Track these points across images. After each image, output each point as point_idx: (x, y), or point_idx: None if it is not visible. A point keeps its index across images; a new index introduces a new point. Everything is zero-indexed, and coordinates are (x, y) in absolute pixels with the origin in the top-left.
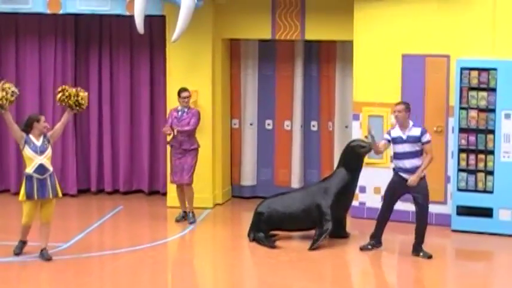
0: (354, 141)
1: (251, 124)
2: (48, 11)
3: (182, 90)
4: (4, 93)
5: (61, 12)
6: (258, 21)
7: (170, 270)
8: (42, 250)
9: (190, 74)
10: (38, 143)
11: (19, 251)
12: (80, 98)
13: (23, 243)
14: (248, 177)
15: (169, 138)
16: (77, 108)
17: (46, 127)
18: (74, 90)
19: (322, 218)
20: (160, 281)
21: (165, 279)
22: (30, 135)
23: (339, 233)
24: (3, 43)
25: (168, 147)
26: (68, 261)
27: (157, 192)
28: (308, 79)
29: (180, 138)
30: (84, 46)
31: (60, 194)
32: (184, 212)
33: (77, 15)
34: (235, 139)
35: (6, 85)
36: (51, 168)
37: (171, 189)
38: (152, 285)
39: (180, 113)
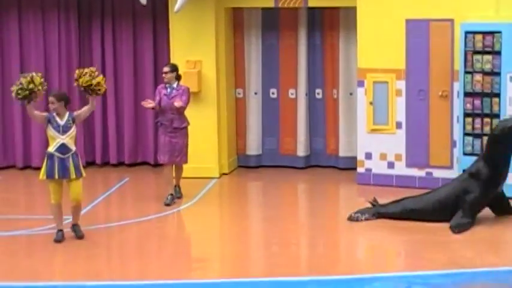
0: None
1: (255, 93)
2: None
3: (165, 65)
4: (32, 85)
5: None
6: None
7: (178, 241)
8: (73, 225)
9: (194, 44)
10: (62, 122)
11: (60, 238)
12: (94, 83)
13: (59, 231)
14: (253, 146)
15: (149, 106)
16: (93, 93)
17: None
18: (88, 76)
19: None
20: (167, 252)
21: (172, 250)
22: (54, 114)
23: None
24: (5, 19)
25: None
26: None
27: (162, 164)
28: (312, 47)
29: (170, 115)
30: (87, 20)
31: (83, 174)
32: (172, 194)
33: None
34: (240, 109)
35: (37, 78)
36: (73, 148)
37: None
38: (158, 256)
39: (169, 89)
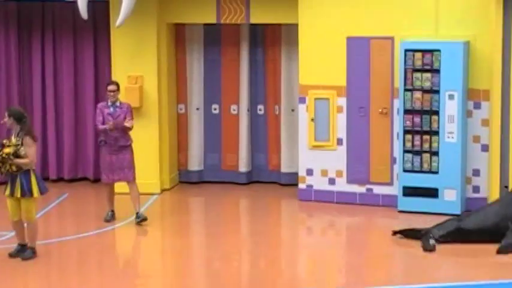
0: None
1: (197, 109)
2: None
3: (109, 83)
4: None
5: None
6: (202, 5)
7: (119, 257)
8: (22, 246)
9: (136, 59)
10: (14, 139)
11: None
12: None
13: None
14: (195, 162)
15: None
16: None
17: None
18: None
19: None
20: (109, 269)
21: (114, 267)
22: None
23: None
24: None
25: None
26: (8, 250)
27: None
28: (254, 63)
29: (115, 134)
30: (27, 32)
31: (34, 194)
32: (112, 210)
33: (18, 2)
34: (182, 124)
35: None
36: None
37: None
38: (99, 272)
39: (112, 108)
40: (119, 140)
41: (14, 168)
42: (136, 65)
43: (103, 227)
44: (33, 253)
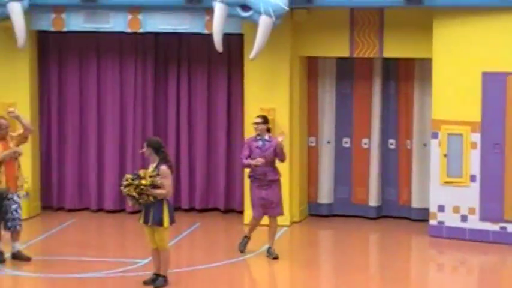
0: None
1: (328, 142)
2: (129, 30)
3: (257, 116)
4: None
5: (141, 31)
6: (336, 38)
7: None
8: (157, 275)
9: (268, 92)
10: (150, 169)
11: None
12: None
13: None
14: (325, 195)
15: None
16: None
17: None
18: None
19: None
20: None
21: None
22: None
23: None
24: (85, 61)
25: (247, 180)
26: (143, 277)
27: (233, 210)
28: (386, 97)
29: (264, 169)
30: (163, 64)
31: (164, 224)
32: (248, 238)
33: (156, 34)
34: (312, 157)
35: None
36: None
37: (249, 207)
38: None
39: (261, 142)
40: (268, 175)
41: (151, 198)
42: (268, 97)
43: (233, 258)
44: (165, 281)
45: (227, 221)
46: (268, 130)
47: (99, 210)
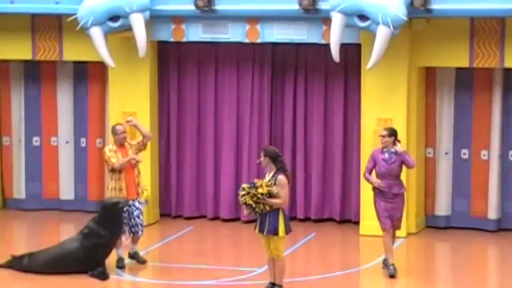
0: None
1: (446, 153)
2: (247, 40)
3: (384, 129)
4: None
5: (259, 41)
6: (455, 48)
7: None
8: (272, 285)
9: (385, 101)
10: (266, 179)
11: None
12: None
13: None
14: (442, 207)
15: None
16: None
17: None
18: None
19: None
20: None
21: None
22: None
23: None
24: (203, 70)
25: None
26: (261, 286)
27: (348, 220)
28: (506, 108)
29: (389, 181)
30: (280, 74)
31: (279, 233)
32: (393, 264)
33: (274, 44)
34: (430, 168)
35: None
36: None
37: (365, 218)
38: None
39: (387, 154)
40: (393, 188)
41: (267, 207)
42: (385, 107)
43: (348, 268)
44: None
45: (342, 231)
46: (394, 143)
47: (216, 218)
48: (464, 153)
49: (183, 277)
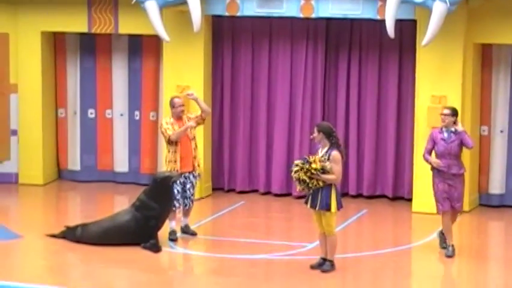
0: None
1: (501, 131)
2: (301, 15)
3: (445, 107)
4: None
5: (313, 16)
6: None
7: (411, 277)
8: (323, 260)
9: (440, 79)
10: (319, 154)
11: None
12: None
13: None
14: (496, 185)
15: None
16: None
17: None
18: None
19: None
20: (402, 287)
21: (405, 285)
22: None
23: None
24: (257, 45)
25: (430, 172)
26: (312, 261)
27: (401, 197)
28: None
29: (448, 161)
30: (334, 49)
31: (332, 209)
32: (453, 245)
33: (328, 19)
34: (484, 146)
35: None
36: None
37: (417, 195)
38: None
39: (446, 134)
40: (452, 168)
41: (321, 183)
42: (440, 84)
43: (400, 245)
44: (332, 266)
45: (395, 208)
46: (455, 123)
47: (267, 193)
48: None
49: (234, 251)
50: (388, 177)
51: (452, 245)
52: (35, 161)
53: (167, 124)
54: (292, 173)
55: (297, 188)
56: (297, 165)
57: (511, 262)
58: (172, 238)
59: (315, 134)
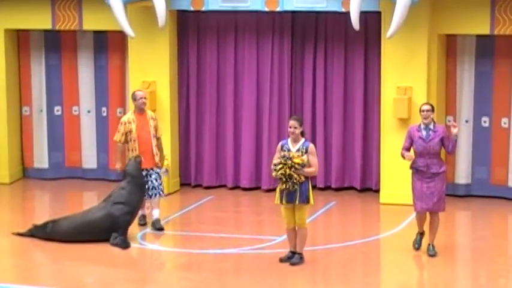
0: None
1: (466, 121)
2: (266, 9)
3: (424, 104)
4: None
5: (278, 9)
6: (476, 16)
7: (381, 267)
8: (293, 253)
9: (405, 70)
10: (293, 149)
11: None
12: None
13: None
14: (463, 175)
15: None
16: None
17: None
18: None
19: None
20: (371, 278)
21: (377, 277)
22: (288, 140)
23: None
24: (222, 40)
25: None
26: (281, 255)
27: (369, 189)
28: None
29: (427, 160)
30: (300, 43)
31: (310, 201)
32: (421, 233)
33: (293, 12)
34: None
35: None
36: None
37: (385, 186)
38: (364, 282)
39: (424, 132)
40: (431, 167)
41: (302, 178)
42: (406, 75)
43: (368, 237)
44: (301, 259)
45: (363, 200)
46: (448, 125)
47: (236, 187)
48: (485, 121)
49: (203, 246)
50: (356, 169)
51: (421, 234)
52: (1, 160)
53: (123, 124)
54: (276, 171)
55: (285, 186)
56: (280, 163)
57: (479, 252)
58: (142, 223)
59: (297, 128)
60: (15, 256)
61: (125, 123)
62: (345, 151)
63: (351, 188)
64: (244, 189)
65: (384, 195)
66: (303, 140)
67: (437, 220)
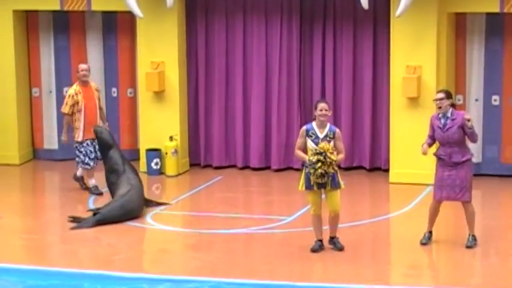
0: None
1: (476, 100)
2: None
3: (438, 91)
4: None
5: None
6: None
7: (391, 247)
8: (331, 238)
9: (415, 49)
10: (321, 135)
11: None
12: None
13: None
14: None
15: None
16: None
17: None
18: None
19: None
20: (381, 257)
21: (386, 256)
22: (313, 125)
23: None
24: (231, 20)
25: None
26: (291, 235)
27: (378, 168)
28: None
29: (448, 149)
30: (309, 23)
31: (341, 186)
32: (430, 232)
33: None
34: None
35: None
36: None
37: (394, 166)
38: (373, 261)
39: (442, 120)
40: (452, 156)
41: (336, 168)
42: (415, 54)
43: (377, 216)
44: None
45: (372, 179)
46: (453, 106)
47: (245, 167)
48: (495, 100)
49: (213, 226)
50: (365, 149)
51: (430, 232)
52: (11, 141)
53: (71, 97)
54: (315, 170)
55: (318, 180)
56: (318, 160)
57: (489, 230)
58: (97, 192)
59: (328, 110)
60: (27, 236)
61: (72, 96)
62: (354, 131)
63: (360, 167)
64: (254, 169)
65: (394, 175)
66: (328, 124)
67: (471, 209)
